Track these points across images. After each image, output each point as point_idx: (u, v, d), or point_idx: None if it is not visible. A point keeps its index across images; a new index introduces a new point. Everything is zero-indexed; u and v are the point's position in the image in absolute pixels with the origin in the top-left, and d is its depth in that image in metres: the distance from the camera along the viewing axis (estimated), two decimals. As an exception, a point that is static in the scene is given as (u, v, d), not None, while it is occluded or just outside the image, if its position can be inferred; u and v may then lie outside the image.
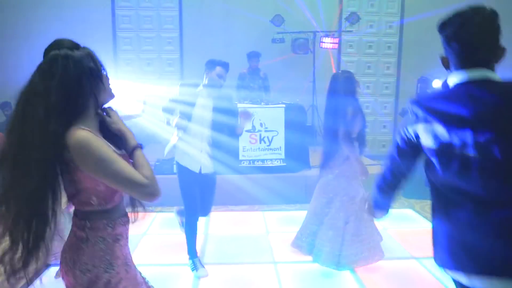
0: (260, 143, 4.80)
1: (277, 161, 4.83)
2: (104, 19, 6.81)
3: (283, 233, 3.69)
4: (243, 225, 4.07)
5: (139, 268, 1.44)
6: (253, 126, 4.77)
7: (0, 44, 6.54)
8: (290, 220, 4.03)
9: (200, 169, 2.87)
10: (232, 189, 4.69)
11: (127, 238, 1.36)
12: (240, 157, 4.84)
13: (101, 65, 1.27)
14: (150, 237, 3.69)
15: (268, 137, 4.82)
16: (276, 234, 3.73)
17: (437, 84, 4.79)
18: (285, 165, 4.82)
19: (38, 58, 1.22)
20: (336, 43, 6.41)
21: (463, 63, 1.22)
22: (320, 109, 6.18)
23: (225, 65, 2.91)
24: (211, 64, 2.87)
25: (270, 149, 4.83)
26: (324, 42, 6.36)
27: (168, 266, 3.11)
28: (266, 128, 4.77)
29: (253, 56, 5.52)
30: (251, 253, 3.30)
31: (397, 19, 6.93)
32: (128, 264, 1.35)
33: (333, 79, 2.96)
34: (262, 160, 4.84)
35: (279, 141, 4.80)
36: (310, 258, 2.91)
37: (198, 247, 3.08)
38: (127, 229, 1.36)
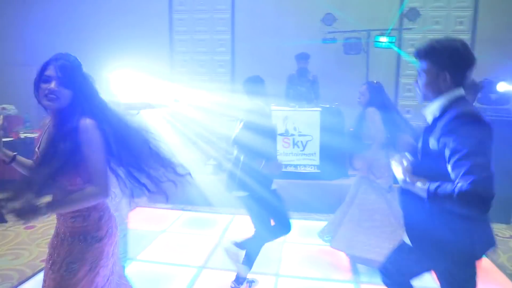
0: (293, 147, 4.58)
1: (311, 167, 4.55)
2: (162, 23, 7.15)
3: (300, 244, 3.45)
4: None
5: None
6: (286, 130, 4.57)
7: (68, 46, 7.25)
8: (313, 231, 3.74)
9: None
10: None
11: None
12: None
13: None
14: (168, 234, 3.72)
15: (302, 142, 4.56)
16: (291, 245, 3.49)
17: (503, 87, 4.06)
18: (319, 172, 4.52)
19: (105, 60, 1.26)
20: (393, 42, 5.85)
21: None
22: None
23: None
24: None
25: (304, 154, 4.57)
26: (379, 42, 5.85)
27: (173, 266, 3.08)
28: (300, 132, 4.53)
29: (301, 57, 5.30)
30: (256, 262, 3.12)
31: (469, 13, 6.11)
32: None
33: (377, 90, 2.92)
34: (295, 166, 4.59)
35: (314, 146, 4.52)
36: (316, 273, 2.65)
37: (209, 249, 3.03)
38: None
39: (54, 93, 1.46)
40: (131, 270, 2.78)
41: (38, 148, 1.57)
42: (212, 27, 7.10)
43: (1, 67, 7.24)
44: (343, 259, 3.21)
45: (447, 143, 1.32)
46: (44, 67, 1.50)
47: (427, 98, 1.54)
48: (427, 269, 1.60)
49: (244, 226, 4.00)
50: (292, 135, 4.56)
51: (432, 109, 1.51)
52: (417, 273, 1.65)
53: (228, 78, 7.18)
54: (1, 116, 1.70)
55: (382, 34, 5.89)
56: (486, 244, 1.45)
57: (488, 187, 1.22)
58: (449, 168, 1.31)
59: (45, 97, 1.47)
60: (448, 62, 1.46)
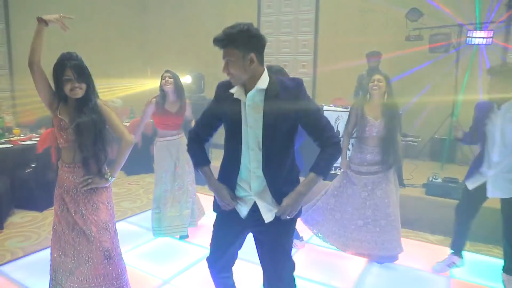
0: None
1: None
2: (250, 20, 7.57)
3: (319, 246, 3.35)
4: (299, 231, 3.86)
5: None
6: (337, 131, 4.40)
7: (159, 42, 8.34)
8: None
9: None
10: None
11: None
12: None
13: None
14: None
15: (351, 143, 4.34)
16: (310, 246, 3.41)
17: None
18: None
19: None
20: (491, 37, 5.00)
21: None
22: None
23: None
24: None
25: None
26: (473, 37, 5.08)
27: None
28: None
29: (372, 55, 5.03)
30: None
31: None
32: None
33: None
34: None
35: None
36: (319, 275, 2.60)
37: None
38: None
39: (77, 89, 1.99)
40: None
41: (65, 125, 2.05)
42: (296, 28, 7.22)
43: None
44: (350, 265, 3.05)
45: None
46: (62, 69, 1.97)
47: (238, 81, 1.63)
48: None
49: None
50: (341, 136, 4.37)
51: (255, 93, 1.64)
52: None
53: (310, 78, 7.20)
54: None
55: (477, 29, 5.10)
56: None
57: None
58: None
59: (70, 91, 1.98)
60: (249, 44, 1.58)
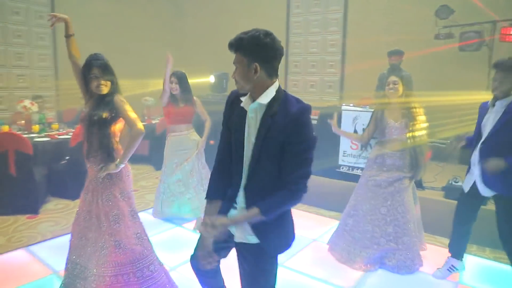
0: (361, 149, 4.33)
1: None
2: (280, 26, 7.66)
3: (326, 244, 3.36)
4: (312, 228, 3.87)
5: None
6: (355, 131, 4.37)
7: (194, 43, 8.60)
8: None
9: None
10: (325, 192, 4.54)
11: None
12: (340, 161, 4.56)
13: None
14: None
15: (371, 145, 4.28)
16: (318, 244, 3.44)
17: None
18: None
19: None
20: (528, 34, 4.71)
21: None
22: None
23: None
24: None
25: (364, 158, 4.28)
26: (508, 34, 4.81)
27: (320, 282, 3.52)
28: (369, 133, 4.26)
29: (393, 54, 4.93)
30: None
31: None
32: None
33: None
34: (362, 168, 4.35)
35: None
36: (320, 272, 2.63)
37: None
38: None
39: (102, 86, 2.21)
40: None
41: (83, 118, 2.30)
42: (325, 28, 7.19)
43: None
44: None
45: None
46: (89, 67, 2.23)
47: (242, 90, 1.57)
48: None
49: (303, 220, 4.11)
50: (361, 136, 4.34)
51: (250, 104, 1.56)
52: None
53: (338, 78, 7.15)
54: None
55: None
56: None
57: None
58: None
59: (96, 88, 2.22)
60: (257, 54, 1.48)
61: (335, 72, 7.18)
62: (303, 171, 1.49)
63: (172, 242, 3.44)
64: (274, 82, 1.54)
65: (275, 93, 1.52)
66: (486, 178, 2.44)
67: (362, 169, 4.26)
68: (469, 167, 2.60)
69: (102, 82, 2.21)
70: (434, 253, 3.26)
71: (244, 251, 1.63)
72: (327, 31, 7.17)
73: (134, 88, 6.41)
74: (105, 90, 2.23)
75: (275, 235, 1.58)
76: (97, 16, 7.42)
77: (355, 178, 3.88)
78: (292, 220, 1.67)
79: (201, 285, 1.86)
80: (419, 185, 4.09)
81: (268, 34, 1.49)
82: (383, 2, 6.42)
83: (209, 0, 8.68)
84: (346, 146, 4.49)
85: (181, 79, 3.47)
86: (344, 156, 4.53)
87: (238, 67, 1.52)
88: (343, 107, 4.51)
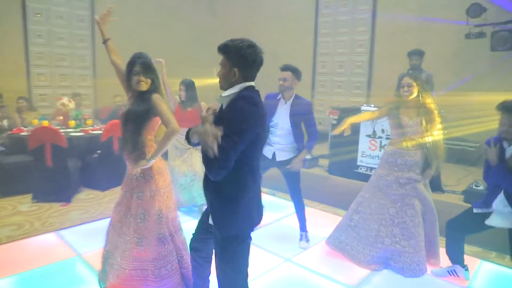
0: (380, 150, 4.31)
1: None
2: (308, 26, 7.69)
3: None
4: (325, 227, 3.89)
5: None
6: (374, 131, 4.35)
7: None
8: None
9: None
10: (343, 192, 4.54)
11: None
12: (358, 162, 4.54)
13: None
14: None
15: (381, 143, 4.26)
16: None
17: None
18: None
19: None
20: None
21: None
22: None
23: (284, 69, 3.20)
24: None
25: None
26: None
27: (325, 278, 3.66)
28: (388, 135, 4.22)
29: (413, 54, 4.84)
30: (282, 246, 3.36)
31: None
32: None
33: None
34: (369, 168, 4.34)
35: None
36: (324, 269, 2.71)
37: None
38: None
39: (142, 82, 2.29)
40: (283, 272, 2.97)
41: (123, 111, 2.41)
42: (353, 28, 7.13)
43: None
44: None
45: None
46: (132, 64, 2.34)
47: (222, 88, 1.73)
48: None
49: (317, 218, 4.15)
50: (380, 137, 4.30)
51: (224, 97, 1.72)
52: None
53: (365, 79, 7.08)
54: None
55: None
56: None
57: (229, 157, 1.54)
58: None
59: (136, 84, 2.32)
60: (236, 60, 1.67)
61: (363, 73, 7.10)
62: (221, 158, 1.53)
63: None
64: (245, 85, 1.71)
65: (231, 92, 1.70)
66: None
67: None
68: (490, 200, 2.51)
69: (142, 78, 2.28)
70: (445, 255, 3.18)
71: (215, 241, 1.78)
72: (355, 31, 7.11)
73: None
74: (144, 87, 2.29)
75: (222, 215, 1.71)
76: (133, 18, 7.83)
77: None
78: (248, 208, 1.73)
79: (192, 270, 2.08)
80: (439, 188, 4.00)
81: (251, 46, 1.68)
82: (412, 1, 6.27)
83: (240, 2, 8.87)
84: (365, 147, 4.47)
85: (188, 87, 3.77)
86: (362, 156, 4.51)
87: (222, 68, 1.72)
88: (363, 108, 4.50)
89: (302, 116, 3.21)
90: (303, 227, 3.46)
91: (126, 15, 7.72)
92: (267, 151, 3.31)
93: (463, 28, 5.28)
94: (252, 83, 1.74)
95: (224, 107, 1.73)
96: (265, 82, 7.51)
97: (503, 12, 5.07)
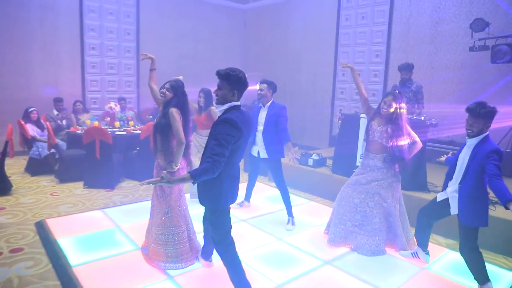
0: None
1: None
2: (330, 38, 8.27)
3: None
4: (319, 217, 4.49)
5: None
6: (370, 136, 4.88)
7: (257, 53, 9.53)
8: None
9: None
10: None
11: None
12: (357, 163, 5.09)
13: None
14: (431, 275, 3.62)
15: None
16: (321, 229, 4.10)
17: None
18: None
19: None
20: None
21: None
22: None
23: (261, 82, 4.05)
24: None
25: (384, 161, 4.77)
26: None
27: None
28: (382, 139, 4.75)
29: (402, 68, 5.31)
30: (278, 229, 4.07)
31: None
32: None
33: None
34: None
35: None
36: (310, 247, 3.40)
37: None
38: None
39: (164, 94, 3.11)
40: (273, 247, 3.59)
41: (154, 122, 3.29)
42: (370, 39, 7.62)
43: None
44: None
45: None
46: (164, 84, 3.19)
47: (219, 103, 2.40)
48: None
49: (315, 210, 4.78)
50: (376, 141, 4.84)
51: (220, 110, 2.38)
52: None
53: (380, 86, 7.54)
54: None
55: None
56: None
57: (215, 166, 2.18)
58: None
59: (161, 96, 3.17)
60: (236, 85, 2.34)
61: (379, 81, 7.57)
62: (216, 152, 2.18)
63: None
64: (235, 102, 2.39)
65: (227, 107, 2.38)
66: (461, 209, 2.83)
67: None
68: (446, 183, 3.02)
69: (163, 90, 3.08)
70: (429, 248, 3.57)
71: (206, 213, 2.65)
72: (373, 42, 7.59)
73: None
74: (164, 97, 3.09)
75: (204, 196, 2.43)
76: (174, 30, 8.87)
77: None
78: (222, 191, 2.36)
79: (204, 235, 2.96)
80: (424, 187, 4.49)
81: (244, 74, 2.38)
82: (425, 15, 6.68)
83: (268, 14, 9.63)
84: (362, 149, 5.00)
85: (207, 95, 4.54)
86: (360, 158, 5.04)
87: (222, 89, 2.38)
88: (361, 115, 5.05)
89: (277, 117, 3.98)
90: (289, 213, 4.15)
91: (167, 27, 8.77)
92: (254, 151, 4.15)
93: (469, 41, 5.66)
94: (238, 102, 2.41)
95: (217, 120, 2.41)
96: (291, 86, 8.31)
97: (504, 27, 5.39)
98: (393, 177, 3.49)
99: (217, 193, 2.37)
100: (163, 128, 3.06)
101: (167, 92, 3.10)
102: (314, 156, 5.81)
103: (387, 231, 3.55)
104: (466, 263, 2.88)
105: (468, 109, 2.77)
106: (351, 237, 3.58)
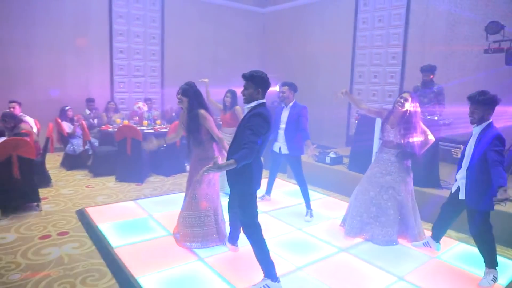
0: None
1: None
2: (347, 40, 8.50)
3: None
4: (335, 210, 4.76)
5: None
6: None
7: (276, 56, 9.82)
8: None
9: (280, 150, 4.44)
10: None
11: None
12: (372, 161, 5.34)
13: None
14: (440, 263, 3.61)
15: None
16: (337, 221, 4.37)
17: None
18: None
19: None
20: None
21: None
22: None
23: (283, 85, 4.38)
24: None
25: (398, 158, 5.01)
26: (553, 50, 5.02)
27: None
28: (395, 138, 4.99)
29: (424, 70, 5.50)
30: (297, 220, 4.36)
31: None
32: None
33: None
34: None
35: (407, 152, 4.89)
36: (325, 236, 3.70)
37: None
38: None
39: (181, 99, 3.47)
40: (293, 236, 3.89)
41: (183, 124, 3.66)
42: (387, 42, 7.83)
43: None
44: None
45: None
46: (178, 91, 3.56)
47: (247, 102, 2.73)
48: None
49: (327, 203, 5.06)
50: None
51: (248, 108, 2.71)
52: None
53: (397, 88, 7.74)
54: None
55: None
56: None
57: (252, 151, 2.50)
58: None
59: (178, 102, 3.52)
60: (260, 84, 2.69)
61: (395, 83, 7.77)
62: (250, 140, 2.52)
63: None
64: (262, 99, 2.74)
65: (255, 104, 2.72)
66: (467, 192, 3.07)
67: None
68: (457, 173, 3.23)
69: (179, 96, 3.43)
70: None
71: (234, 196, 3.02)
72: (389, 44, 7.80)
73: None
74: (181, 104, 3.46)
75: (233, 180, 2.77)
76: (195, 33, 9.27)
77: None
78: (251, 173, 2.69)
79: (230, 220, 3.31)
80: (437, 184, 4.70)
81: (266, 75, 2.73)
82: (441, 18, 6.85)
83: (285, 18, 9.94)
84: (376, 148, 5.25)
85: (233, 95, 4.91)
86: (375, 156, 5.29)
87: (248, 89, 2.73)
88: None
89: (298, 116, 4.27)
90: (308, 205, 4.44)
91: (190, 31, 9.18)
92: (276, 147, 4.45)
93: (485, 43, 5.82)
94: (264, 100, 2.78)
95: (247, 114, 2.75)
96: (309, 88, 8.59)
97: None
98: (405, 171, 3.73)
99: (248, 177, 2.70)
100: (195, 130, 3.43)
101: (183, 98, 3.44)
102: (332, 154, 6.07)
103: (400, 223, 3.79)
104: (477, 245, 3.11)
105: (469, 97, 3.01)
106: (367, 228, 3.84)
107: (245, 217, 2.79)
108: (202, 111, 3.41)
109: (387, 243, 3.73)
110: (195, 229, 3.48)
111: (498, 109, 4.74)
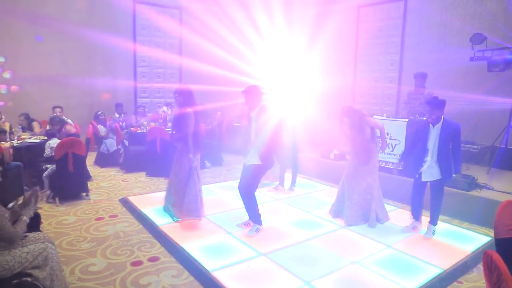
0: (392, 149, 5.85)
1: (398, 166, 5.71)
2: (350, 47, 9.28)
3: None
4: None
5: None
6: (388, 134, 5.88)
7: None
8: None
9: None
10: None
11: None
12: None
13: None
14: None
15: (391, 144, 5.79)
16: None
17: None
18: (402, 170, 5.63)
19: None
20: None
21: None
22: None
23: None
24: None
25: (393, 154, 5.78)
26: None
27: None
28: (391, 137, 5.78)
29: (417, 76, 6.26)
30: (306, 205, 5.15)
31: None
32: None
33: None
34: (386, 162, 5.88)
35: (400, 149, 5.66)
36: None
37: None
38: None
39: (175, 97, 4.36)
40: (302, 217, 4.91)
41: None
42: (386, 49, 8.59)
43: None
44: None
45: None
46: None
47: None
48: None
49: (327, 195, 5.84)
50: (391, 139, 5.86)
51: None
52: None
53: (395, 92, 8.50)
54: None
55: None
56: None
57: None
58: None
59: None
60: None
61: (393, 87, 8.53)
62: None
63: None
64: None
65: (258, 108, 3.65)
66: (428, 172, 3.99)
67: (390, 163, 5.80)
68: (418, 163, 4.05)
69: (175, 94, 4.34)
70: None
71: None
72: (388, 52, 8.56)
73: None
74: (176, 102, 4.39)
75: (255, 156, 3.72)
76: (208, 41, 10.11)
77: (386, 170, 5.50)
78: (267, 157, 3.74)
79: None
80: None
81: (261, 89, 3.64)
82: (433, 28, 7.60)
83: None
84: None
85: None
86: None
87: (248, 100, 3.70)
88: (374, 117, 6.07)
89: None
90: (293, 182, 5.53)
91: (205, 39, 10.02)
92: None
93: (470, 52, 6.58)
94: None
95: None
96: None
97: (501, 40, 6.27)
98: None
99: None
100: (179, 126, 4.29)
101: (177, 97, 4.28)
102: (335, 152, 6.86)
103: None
104: (436, 206, 4.12)
105: (427, 102, 3.91)
106: (351, 213, 4.54)
107: (251, 181, 3.95)
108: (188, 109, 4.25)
109: (380, 221, 4.52)
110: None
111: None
